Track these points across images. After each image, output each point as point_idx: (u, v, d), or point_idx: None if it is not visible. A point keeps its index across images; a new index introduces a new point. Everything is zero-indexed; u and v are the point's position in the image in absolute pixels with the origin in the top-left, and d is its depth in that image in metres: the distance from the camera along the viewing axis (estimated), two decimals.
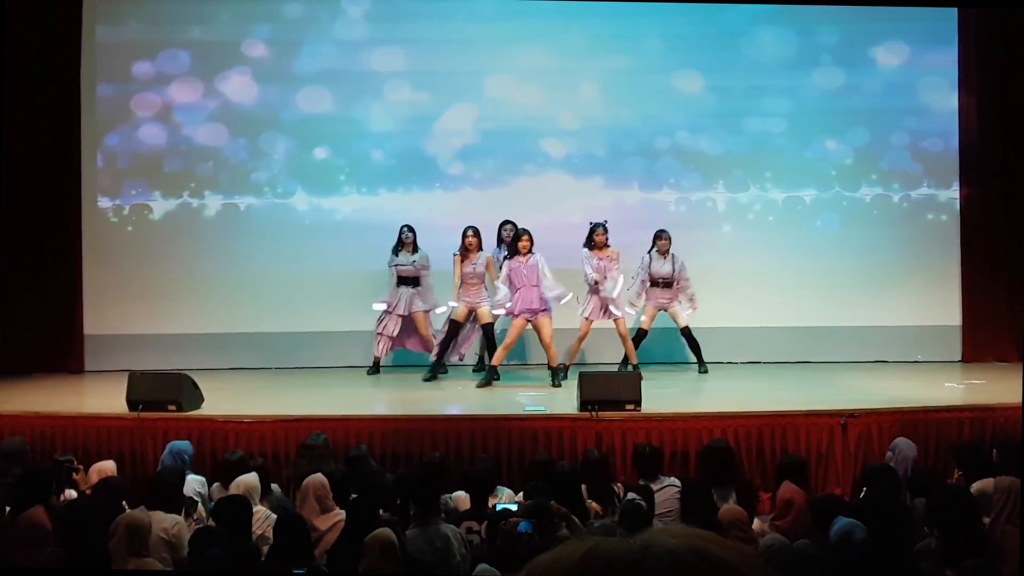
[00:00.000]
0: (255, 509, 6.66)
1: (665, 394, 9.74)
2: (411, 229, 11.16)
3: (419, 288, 11.13)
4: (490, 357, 10.77)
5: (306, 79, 11.96)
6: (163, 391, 8.98)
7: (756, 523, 7.04)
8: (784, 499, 7.18)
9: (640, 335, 11.02)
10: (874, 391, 9.83)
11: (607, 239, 10.78)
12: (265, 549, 6.21)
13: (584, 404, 8.76)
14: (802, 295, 11.94)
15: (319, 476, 7.01)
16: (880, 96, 11.99)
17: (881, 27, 12.00)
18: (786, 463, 7.73)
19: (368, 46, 11.97)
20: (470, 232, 10.85)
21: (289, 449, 8.39)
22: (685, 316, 11.00)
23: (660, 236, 11.09)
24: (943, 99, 12.03)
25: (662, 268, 11.04)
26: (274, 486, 7.57)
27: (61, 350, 11.69)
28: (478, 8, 12.07)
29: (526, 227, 10.65)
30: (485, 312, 10.81)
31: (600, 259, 10.76)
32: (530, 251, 10.43)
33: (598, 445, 8.38)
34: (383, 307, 11.10)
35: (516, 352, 11.39)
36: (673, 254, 11.08)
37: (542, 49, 11.91)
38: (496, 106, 11.96)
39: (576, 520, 6.44)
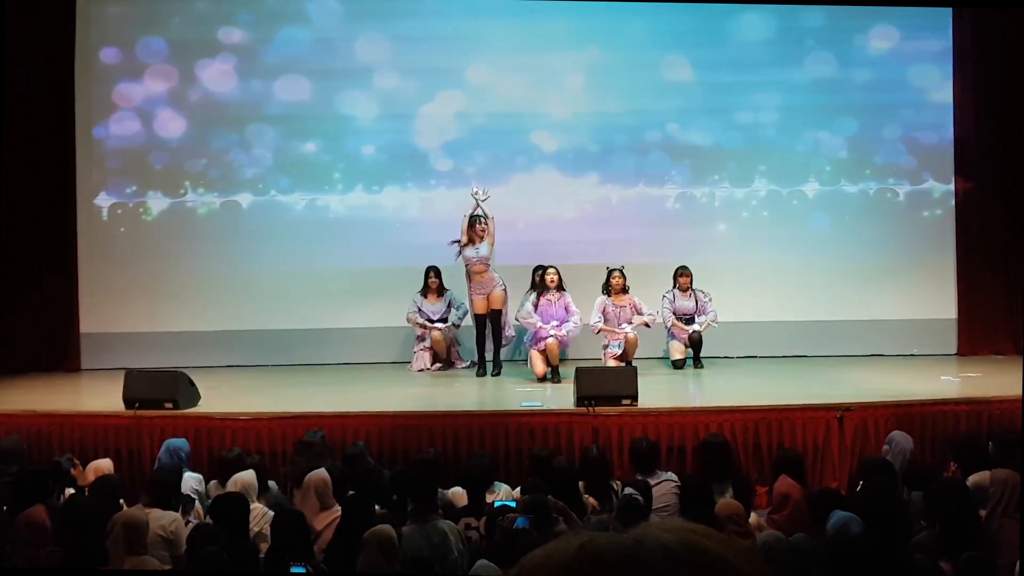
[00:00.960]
0: (252, 506, 6.66)
1: (662, 389, 9.76)
2: (438, 273, 11.17)
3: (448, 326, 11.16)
4: (495, 344, 10.78)
5: (300, 73, 11.93)
6: (160, 389, 8.98)
7: (753, 517, 7.04)
8: (781, 493, 7.19)
9: (679, 365, 11.04)
10: (870, 385, 9.83)
11: (625, 284, 10.76)
12: (263, 546, 6.22)
13: (581, 399, 8.77)
14: (798, 289, 11.95)
15: (322, 472, 7.01)
16: (874, 90, 11.98)
17: (874, 17, 11.99)
18: (783, 457, 7.74)
19: (358, 40, 11.95)
20: (477, 222, 10.83)
21: (286, 446, 8.39)
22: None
23: (681, 273, 11.12)
24: (938, 92, 12.02)
25: (685, 304, 11.08)
26: (271, 483, 7.57)
27: (58, 349, 11.68)
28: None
29: (542, 263, 10.72)
30: (499, 296, 10.81)
31: (617, 306, 10.74)
32: (559, 287, 10.46)
33: (595, 441, 8.38)
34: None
35: (514, 349, 11.42)
36: (694, 289, 11.10)
37: (532, 41, 11.88)
38: (486, 100, 11.91)
39: (574, 515, 6.44)
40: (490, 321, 10.88)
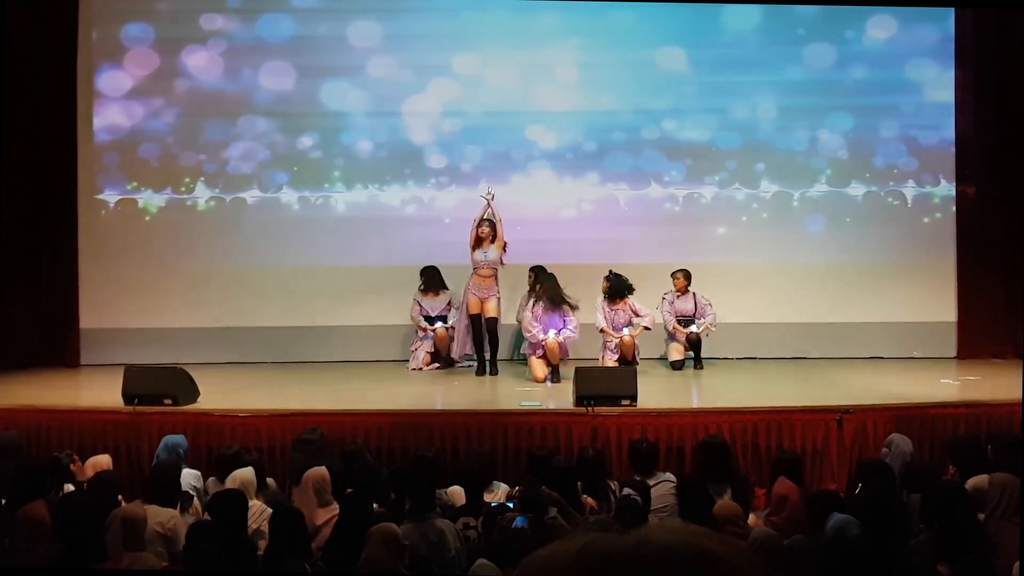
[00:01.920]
0: (251, 503, 6.66)
1: (661, 390, 9.76)
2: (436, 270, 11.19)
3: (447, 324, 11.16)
4: (492, 353, 10.79)
5: (299, 69, 11.94)
6: (159, 385, 8.98)
7: (751, 519, 7.05)
8: (779, 495, 7.20)
9: (677, 366, 11.03)
10: (870, 387, 9.83)
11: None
12: (261, 544, 6.22)
13: (580, 399, 8.77)
14: (798, 291, 11.95)
15: (321, 469, 7.02)
16: (873, 91, 11.96)
17: (874, 17, 11.98)
18: (781, 459, 7.74)
19: (355, 36, 11.95)
20: (485, 225, 10.82)
21: (285, 444, 8.39)
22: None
23: (674, 276, 11.11)
24: (938, 95, 12.01)
25: (684, 306, 11.08)
26: (270, 480, 7.57)
27: (57, 344, 11.68)
28: None
29: (539, 262, 10.77)
30: (493, 307, 10.81)
31: (614, 310, 10.74)
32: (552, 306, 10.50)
33: (594, 441, 8.38)
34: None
35: (514, 349, 11.42)
36: (694, 292, 11.09)
37: (524, 36, 11.89)
38: (481, 96, 11.90)
39: (569, 508, 6.45)
40: (486, 329, 10.87)
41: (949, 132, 12.02)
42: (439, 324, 11.06)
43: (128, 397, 8.89)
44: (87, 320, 11.82)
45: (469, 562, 5.81)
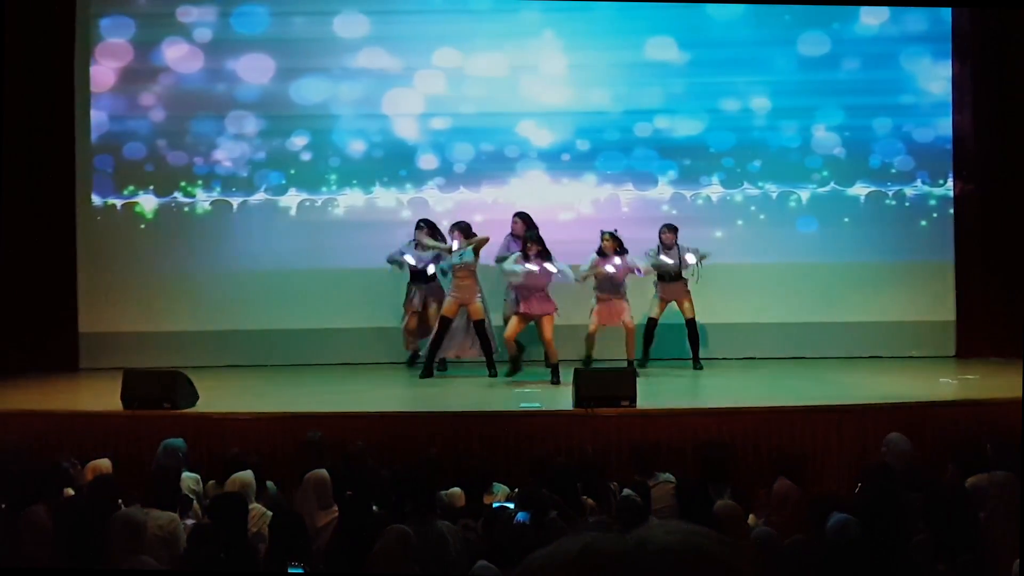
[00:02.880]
0: (251, 506, 6.65)
1: (660, 390, 9.77)
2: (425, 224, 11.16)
3: (432, 284, 11.11)
4: (484, 354, 10.75)
5: (299, 72, 11.96)
6: (158, 389, 8.97)
7: (751, 519, 7.05)
8: (779, 495, 7.19)
9: (651, 324, 11.00)
10: (869, 387, 9.84)
11: (615, 249, 10.73)
12: (261, 547, 6.21)
13: (580, 401, 8.77)
14: (797, 291, 11.95)
15: (321, 472, 7.02)
16: (872, 91, 11.95)
17: (874, 16, 12.00)
18: (781, 459, 7.74)
19: (353, 35, 11.97)
20: (458, 228, 10.82)
21: (284, 446, 8.39)
22: (691, 306, 10.97)
23: (663, 231, 11.06)
24: (936, 94, 12.02)
25: (671, 261, 11.00)
26: (269, 483, 7.57)
27: (56, 348, 11.67)
28: None
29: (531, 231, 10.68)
30: (477, 309, 10.78)
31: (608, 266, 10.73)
32: (539, 256, 10.37)
33: (593, 442, 8.38)
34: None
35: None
36: (679, 245, 11.04)
37: (515, 36, 11.93)
38: (479, 96, 11.92)
39: (569, 509, 6.46)
40: (475, 331, 10.84)
41: (948, 130, 12.02)
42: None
43: (127, 401, 8.89)
44: (86, 324, 11.82)
45: (469, 563, 5.81)
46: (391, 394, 10.54)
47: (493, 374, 10.74)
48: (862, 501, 6.49)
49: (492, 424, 8.69)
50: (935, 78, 12.00)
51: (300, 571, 5.66)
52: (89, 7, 11.93)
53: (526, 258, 10.33)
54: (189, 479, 7.46)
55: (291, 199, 12.01)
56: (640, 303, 10.99)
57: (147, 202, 12.01)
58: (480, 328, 10.78)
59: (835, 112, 11.98)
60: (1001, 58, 11.79)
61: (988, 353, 11.65)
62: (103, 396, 9.44)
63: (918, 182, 12.09)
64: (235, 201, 12.01)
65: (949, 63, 11.97)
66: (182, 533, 6.29)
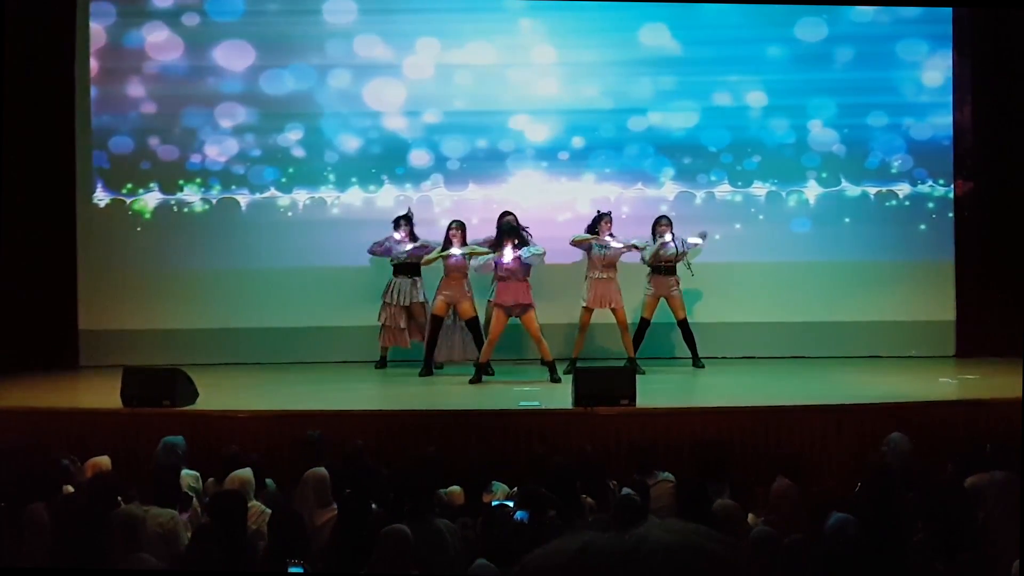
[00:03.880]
0: (250, 504, 6.65)
1: (659, 389, 9.76)
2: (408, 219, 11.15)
3: (417, 278, 11.11)
4: (477, 352, 10.75)
5: (288, 70, 11.97)
6: (157, 386, 8.97)
7: (750, 518, 7.05)
8: (778, 494, 7.19)
9: (643, 324, 11.00)
10: (869, 386, 9.84)
11: (610, 230, 10.73)
12: (260, 545, 6.22)
13: (579, 399, 8.77)
14: (796, 290, 11.95)
15: (320, 470, 7.02)
16: (872, 90, 11.96)
17: (872, 15, 11.99)
18: (780, 458, 7.74)
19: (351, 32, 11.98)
20: (453, 225, 10.82)
21: (284, 444, 8.39)
22: (681, 303, 10.96)
23: (659, 223, 11.02)
24: (937, 94, 12.01)
25: (667, 254, 10.98)
26: (269, 481, 7.57)
27: (56, 345, 11.68)
28: None
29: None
30: (467, 308, 10.78)
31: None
32: (516, 246, 10.34)
33: (593, 441, 8.38)
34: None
35: (513, 347, 11.38)
36: (673, 234, 11.01)
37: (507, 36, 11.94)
38: (473, 96, 11.95)
39: (568, 508, 6.46)
40: (468, 329, 10.84)
41: (947, 129, 12.02)
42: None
43: (127, 398, 8.89)
44: (86, 322, 11.82)
45: (468, 562, 5.81)
46: (390, 392, 10.54)
47: (489, 372, 10.69)
48: (861, 500, 6.50)
49: (491, 423, 8.69)
50: (937, 78, 12.00)
51: (299, 569, 5.65)
52: (89, 5, 11.92)
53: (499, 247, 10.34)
54: (188, 477, 7.46)
55: (290, 197, 12.01)
56: (632, 301, 10.97)
57: (147, 200, 12.01)
58: (473, 326, 10.78)
59: (834, 111, 11.98)
60: (1001, 57, 11.78)
61: (988, 353, 11.65)
62: (103, 393, 9.44)
63: (918, 181, 12.09)
64: (235, 198, 12.01)
65: (950, 62, 11.97)
66: (182, 530, 6.29)
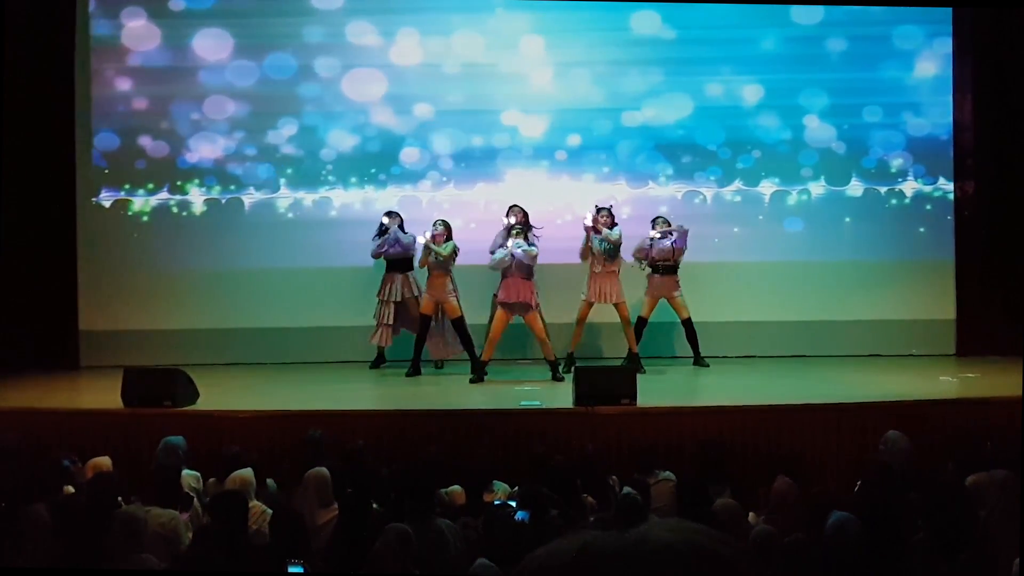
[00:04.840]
0: (251, 504, 6.66)
1: (660, 389, 9.77)
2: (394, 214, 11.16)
3: (409, 272, 11.11)
4: (466, 350, 10.74)
5: (288, 58, 11.97)
6: (158, 387, 8.98)
7: (751, 517, 7.05)
8: (779, 494, 7.19)
9: (640, 323, 11.00)
10: (869, 385, 9.84)
11: (612, 223, 10.73)
12: (261, 545, 6.22)
13: (580, 399, 8.77)
14: (797, 289, 11.95)
15: (321, 470, 7.02)
16: (873, 89, 11.96)
17: (871, 13, 11.99)
18: (780, 457, 7.74)
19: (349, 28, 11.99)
20: (439, 224, 10.83)
21: (285, 444, 8.39)
22: (683, 304, 10.97)
23: (656, 223, 11.05)
24: (938, 92, 12.01)
25: (664, 249, 10.98)
26: (269, 481, 7.58)
27: (57, 346, 11.68)
28: None
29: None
30: (453, 307, 10.78)
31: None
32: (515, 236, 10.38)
33: (594, 440, 8.38)
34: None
35: (516, 347, 11.39)
36: (669, 232, 11.01)
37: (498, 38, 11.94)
38: (467, 96, 11.96)
39: (569, 507, 6.46)
40: (456, 329, 10.86)
41: (948, 128, 12.02)
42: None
43: (128, 399, 8.90)
44: (86, 322, 11.83)
45: (469, 562, 5.82)
46: (391, 392, 10.54)
47: (485, 374, 10.64)
48: (861, 499, 6.50)
49: (492, 422, 8.69)
50: (937, 77, 12.00)
51: (300, 569, 5.65)
52: (88, 5, 11.93)
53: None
54: (189, 477, 7.46)
55: (290, 197, 12.01)
56: (632, 298, 10.97)
57: (146, 200, 12.01)
58: (459, 325, 10.76)
59: (835, 110, 11.98)
60: (1002, 55, 11.78)
61: (988, 351, 11.64)
62: (103, 394, 9.44)
63: (919, 180, 12.09)
64: (235, 198, 12.02)
65: (950, 61, 11.97)
66: (183, 531, 6.30)
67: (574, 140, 11.97)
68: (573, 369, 9.39)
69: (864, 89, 11.97)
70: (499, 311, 10.44)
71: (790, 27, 11.96)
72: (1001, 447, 7.41)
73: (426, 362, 11.09)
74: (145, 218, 12.04)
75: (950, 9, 11.97)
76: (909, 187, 12.10)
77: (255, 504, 6.83)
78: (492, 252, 10.60)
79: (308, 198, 12.02)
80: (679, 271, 11.03)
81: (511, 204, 10.96)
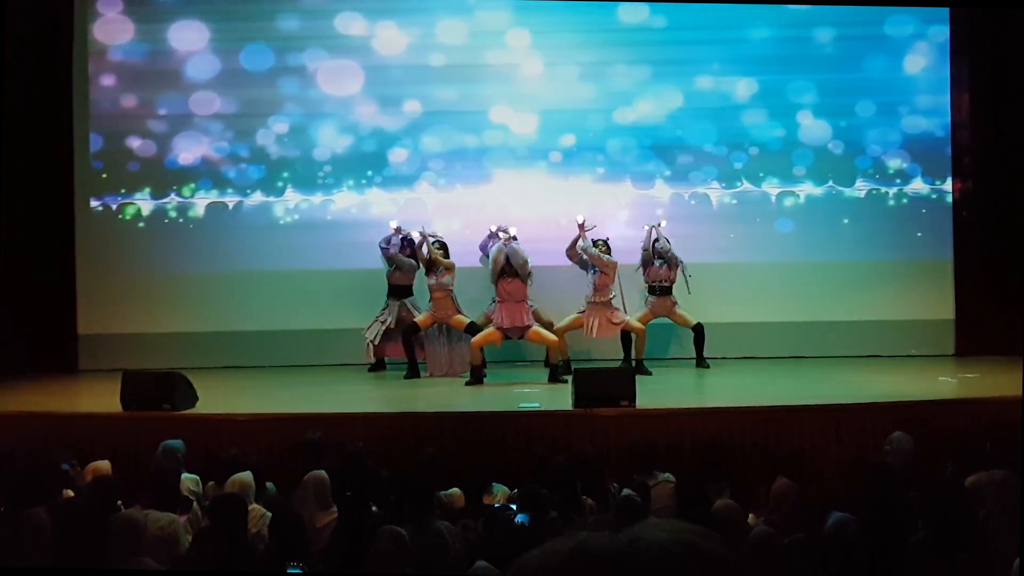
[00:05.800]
0: (250, 507, 6.65)
1: (659, 389, 9.76)
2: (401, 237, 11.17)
3: (409, 299, 11.12)
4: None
5: (302, 71, 11.97)
6: (157, 390, 8.97)
7: (751, 518, 7.04)
8: (779, 494, 7.18)
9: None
10: (868, 385, 9.83)
11: (607, 253, 10.75)
12: (261, 547, 6.21)
13: (579, 400, 8.77)
14: (796, 290, 11.96)
15: (320, 472, 7.02)
16: (872, 89, 11.98)
17: (870, 13, 11.99)
18: (780, 457, 7.73)
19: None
20: (434, 247, 10.84)
21: (283, 447, 8.38)
22: (684, 316, 11.00)
23: (654, 229, 11.09)
24: (936, 92, 12.02)
25: (658, 271, 11.04)
26: (269, 484, 7.57)
27: (55, 349, 11.68)
28: None
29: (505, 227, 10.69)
30: (460, 321, 10.78)
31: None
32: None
33: (593, 442, 8.38)
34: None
35: (514, 350, 11.39)
36: (659, 232, 11.09)
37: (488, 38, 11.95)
38: (469, 92, 11.98)
39: (569, 509, 6.45)
40: (470, 333, 10.81)
41: (945, 128, 12.02)
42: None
43: (126, 402, 8.89)
44: (85, 325, 11.83)
45: (469, 564, 5.81)
46: (390, 395, 10.54)
47: (475, 377, 10.65)
48: (861, 500, 6.49)
49: (491, 424, 8.69)
50: (936, 80, 12.00)
51: (299, 571, 5.65)
52: (88, 7, 11.93)
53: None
54: (188, 480, 7.45)
55: (289, 200, 12.01)
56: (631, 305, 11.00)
57: (144, 204, 12.02)
58: (472, 330, 10.74)
59: (836, 112, 11.97)
60: (999, 55, 11.78)
61: (987, 351, 11.64)
62: (102, 397, 9.44)
63: (917, 180, 12.09)
64: (233, 202, 12.02)
65: (947, 61, 11.97)
66: (182, 534, 6.29)
67: (572, 142, 11.97)
68: (573, 371, 9.38)
69: (865, 89, 11.96)
70: (494, 330, 10.46)
71: (789, 27, 11.95)
72: (1001, 447, 7.40)
73: (425, 363, 11.08)
74: (143, 222, 12.03)
75: (947, 10, 11.96)
76: (908, 187, 12.10)
77: (254, 507, 6.82)
78: (482, 249, 10.59)
79: (306, 200, 12.01)
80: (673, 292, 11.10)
81: (496, 227, 10.93)
